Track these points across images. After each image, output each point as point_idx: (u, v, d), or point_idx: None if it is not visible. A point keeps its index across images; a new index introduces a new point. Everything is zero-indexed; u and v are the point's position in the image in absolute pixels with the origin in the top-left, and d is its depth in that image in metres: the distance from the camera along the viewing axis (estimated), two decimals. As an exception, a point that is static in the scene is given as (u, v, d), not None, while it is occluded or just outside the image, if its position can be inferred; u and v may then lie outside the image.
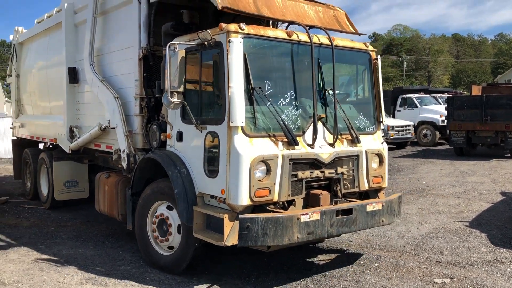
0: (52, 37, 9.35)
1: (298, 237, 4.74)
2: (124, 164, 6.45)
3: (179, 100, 4.96)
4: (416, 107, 22.83)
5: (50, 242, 7.13)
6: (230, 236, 4.65)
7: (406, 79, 66.67)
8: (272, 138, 4.97)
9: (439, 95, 25.22)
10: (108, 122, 6.99)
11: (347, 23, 6.35)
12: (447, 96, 20.99)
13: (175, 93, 4.95)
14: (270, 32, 5.10)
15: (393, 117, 22.97)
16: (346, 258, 6.27)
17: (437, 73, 70.50)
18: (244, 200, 4.68)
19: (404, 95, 23.82)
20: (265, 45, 5.11)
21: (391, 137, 19.89)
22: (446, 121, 18.63)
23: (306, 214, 4.79)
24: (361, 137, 5.79)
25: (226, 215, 4.67)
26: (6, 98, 13.01)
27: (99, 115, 7.40)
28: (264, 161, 4.80)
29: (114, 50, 7.12)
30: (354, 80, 6.28)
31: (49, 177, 9.44)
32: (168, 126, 5.70)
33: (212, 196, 5.09)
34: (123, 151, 6.46)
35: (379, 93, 6.10)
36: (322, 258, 6.23)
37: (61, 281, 5.42)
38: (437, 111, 21.95)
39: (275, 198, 4.90)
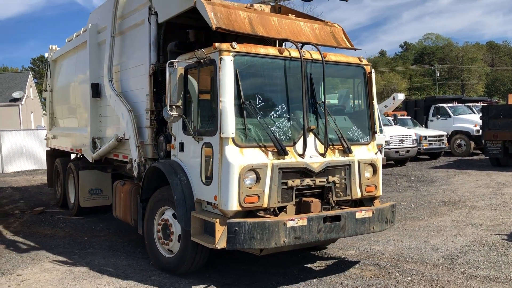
0: (80, 55, 9.97)
1: (284, 241, 5.00)
2: (135, 173, 6.88)
3: (178, 114, 5.31)
4: (450, 116, 22.29)
5: (83, 252, 7.31)
6: (221, 239, 4.97)
7: (438, 89, 65.35)
8: (263, 148, 5.27)
9: (473, 104, 24.62)
10: (123, 133, 7.46)
11: (344, 38, 6.60)
12: (482, 105, 20.49)
13: (174, 107, 5.29)
14: (261, 49, 5.43)
15: (426, 127, 22.65)
16: (378, 271, 6.18)
17: (471, 82, 68.73)
18: (233, 205, 5.00)
19: (437, 105, 23.31)
20: (256, 62, 5.44)
21: (424, 148, 19.65)
22: (481, 131, 18.13)
23: (293, 219, 5.05)
24: (355, 148, 6.00)
25: (218, 220, 5.00)
26: (44, 112, 13.98)
27: (116, 127, 7.89)
28: (253, 170, 5.11)
29: (130, 67, 7.60)
30: (349, 93, 6.50)
31: (75, 185, 9.99)
32: (172, 137, 6.10)
33: (208, 202, 5.42)
34: (135, 160, 6.89)
35: (373, 105, 6.31)
36: (354, 272, 6.15)
37: (93, 291, 5.50)
38: (471, 120, 21.38)
39: (265, 205, 5.19)
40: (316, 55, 5.81)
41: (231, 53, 5.18)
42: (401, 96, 21.43)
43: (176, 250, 5.93)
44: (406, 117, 22.96)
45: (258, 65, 5.49)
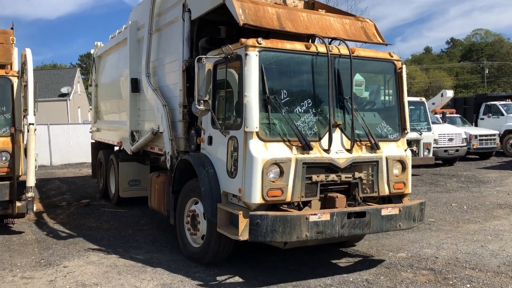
0: (121, 51, 10.30)
1: (306, 235, 5.03)
2: (168, 165, 7.08)
3: (205, 108, 5.40)
4: (502, 115, 21.29)
5: (127, 245, 7.28)
6: (244, 231, 5.06)
7: (487, 86, 62.61)
8: (287, 143, 5.30)
9: None
10: (158, 127, 7.65)
11: (375, 34, 6.51)
12: None
13: (202, 101, 5.39)
14: (288, 45, 5.45)
15: (476, 125, 21.79)
16: (433, 276, 5.87)
17: (522, 80, 65.41)
18: (256, 198, 5.07)
19: (489, 102, 22.31)
20: (283, 57, 5.48)
21: (474, 147, 18.87)
22: None
23: (315, 214, 5.07)
24: (383, 144, 5.92)
25: (241, 212, 5.09)
26: (90, 107, 14.44)
27: (153, 121, 8.11)
28: (277, 164, 5.15)
29: (165, 63, 7.81)
30: (379, 88, 6.39)
31: (116, 176, 10.34)
32: (202, 131, 6.21)
33: (234, 195, 5.50)
34: (168, 153, 7.07)
35: (404, 102, 6.18)
36: (406, 276, 5.87)
37: (137, 285, 5.52)
38: None
39: (288, 199, 5.22)
40: (344, 50, 5.77)
41: (257, 49, 5.23)
42: (449, 93, 20.81)
43: (201, 241, 6.04)
44: (455, 115, 22.16)
45: (284, 61, 5.52)
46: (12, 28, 8.89)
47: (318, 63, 5.64)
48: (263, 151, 5.16)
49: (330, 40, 6.00)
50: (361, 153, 5.73)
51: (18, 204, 7.82)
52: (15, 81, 8.21)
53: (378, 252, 6.79)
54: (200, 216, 6.09)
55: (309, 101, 5.56)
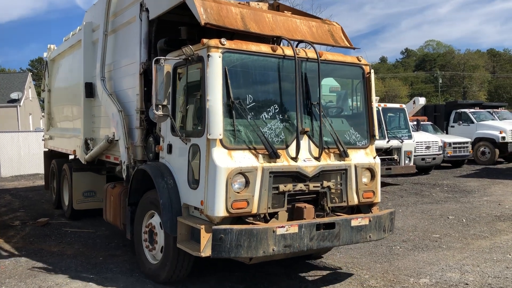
0: (75, 54, 9.72)
1: (273, 250, 4.67)
2: (124, 175, 6.59)
3: (164, 113, 4.97)
4: (472, 122, 21.23)
5: (100, 277, 6.02)
6: (207, 247, 4.66)
7: (440, 95, 64.69)
8: (253, 151, 4.94)
9: (494, 110, 23.51)
10: (113, 134, 7.11)
11: (342, 37, 6.26)
12: None
13: (160, 106, 4.95)
14: (253, 46, 5.11)
15: (447, 133, 21.75)
16: None
17: (472, 89, 68.01)
18: (220, 211, 4.68)
19: (458, 110, 22.31)
20: (248, 60, 5.13)
21: (448, 155, 18.66)
22: (507, 138, 17.21)
23: (283, 226, 4.70)
24: (352, 151, 5.66)
25: (203, 226, 4.69)
26: (42, 113, 13.50)
27: (108, 128, 7.57)
28: (242, 173, 4.78)
29: (122, 66, 7.34)
30: (346, 94, 6.14)
31: (69, 187, 9.69)
32: (161, 139, 5.78)
33: (196, 208, 5.07)
34: (124, 162, 6.57)
35: (372, 107, 5.95)
36: None
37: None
38: (496, 127, 20.41)
39: (254, 211, 4.86)
40: (312, 54, 5.48)
41: (220, 50, 4.86)
42: (422, 101, 20.24)
43: (159, 257, 5.57)
44: (427, 122, 21.90)
45: (249, 63, 5.17)
46: None
47: (285, 67, 5.32)
48: (227, 160, 4.76)
49: (296, 43, 5.69)
50: (329, 161, 5.44)
51: None
52: None
53: (396, 277, 6.06)
54: (158, 230, 5.61)
55: (276, 107, 5.21)
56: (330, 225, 5.08)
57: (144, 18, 6.37)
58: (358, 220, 5.28)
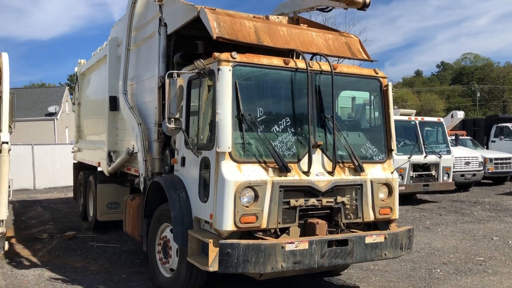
0: (102, 69, 9.98)
1: (282, 266, 4.58)
2: (141, 187, 6.62)
3: (176, 126, 5.01)
4: None
5: None
6: (214, 261, 4.60)
7: (479, 109, 62.77)
8: (263, 164, 4.90)
9: None
10: (133, 147, 7.21)
11: (360, 50, 6.18)
12: None
13: (173, 119, 4.99)
14: (264, 60, 5.11)
15: (487, 148, 20.97)
16: None
17: (512, 103, 65.67)
18: (228, 225, 4.64)
19: (500, 124, 21.43)
20: (259, 73, 5.12)
21: (489, 171, 17.88)
22: None
23: (292, 242, 4.62)
24: (368, 166, 5.54)
25: (212, 240, 4.66)
26: (77, 126, 13.91)
27: (129, 140, 7.67)
28: (251, 187, 4.74)
29: (143, 80, 7.47)
30: (363, 107, 6.03)
31: (94, 198, 9.86)
32: (176, 152, 5.79)
33: (206, 221, 5.03)
34: (141, 174, 6.62)
35: (390, 121, 5.79)
36: None
37: None
38: None
39: (263, 225, 4.79)
40: (326, 66, 5.41)
41: (231, 63, 4.87)
42: (460, 114, 19.59)
43: (175, 268, 5.57)
44: (466, 137, 21.10)
45: (260, 76, 5.16)
46: None
47: (297, 80, 5.28)
48: (236, 173, 4.74)
49: (311, 56, 5.64)
50: (343, 175, 5.32)
51: None
52: None
53: None
54: (172, 244, 5.61)
55: (288, 120, 5.17)
56: (343, 242, 4.95)
57: (162, 33, 6.47)
58: (373, 237, 5.12)
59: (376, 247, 5.13)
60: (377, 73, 5.85)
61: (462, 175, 16.26)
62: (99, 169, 11.15)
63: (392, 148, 5.80)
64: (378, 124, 5.92)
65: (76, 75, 12.85)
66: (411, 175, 13.35)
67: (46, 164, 20.00)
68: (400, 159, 12.93)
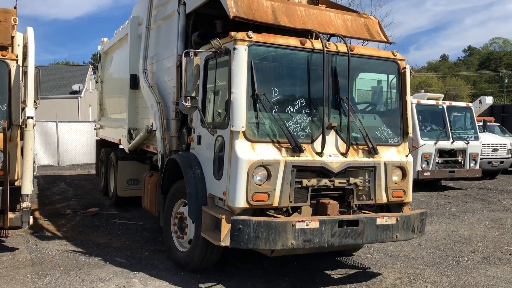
0: (124, 47, 10.11)
1: (292, 243, 4.68)
2: (159, 164, 6.76)
3: (192, 105, 5.09)
4: None
5: (144, 274, 5.83)
6: (226, 237, 4.73)
7: (506, 96, 61.07)
8: (276, 144, 4.96)
9: None
10: (151, 124, 7.34)
11: (379, 31, 6.13)
12: None
13: (189, 97, 5.07)
14: (281, 40, 5.12)
15: None
16: None
17: (542, 90, 63.62)
18: (240, 202, 4.75)
19: None
20: (275, 53, 5.15)
21: None
22: None
23: (303, 221, 4.71)
24: (383, 149, 5.54)
25: (224, 216, 4.78)
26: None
27: (148, 118, 7.80)
28: (264, 166, 4.82)
29: (162, 59, 7.57)
30: (380, 89, 5.99)
31: (115, 174, 10.08)
32: (192, 130, 5.89)
33: (220, 198, 5.14)
34: (159, 152, 6.75)
35: (406, 104, 5.77)
36: None
37: None
38: None
39: (275, 204, 4.87)
40: (343, 48, 5.39)
41: (247, 43, 4.92)
42: (489, 100, 19.00)
43: (189, 244, 5.71)
44: (494, 123, 20.59)
45: (276, 56, 5.19)
46: (15, 8, 7.75)
47: (313, 61, 5.28)
48: (250, 152, 4.82)
49: (329, 36, 5.61)
50: (357, 157, 5.34)
51: (10, 215, 6.36)
52: (13, 65, 6.90)
53: None
54: (188, 219, 5.76)
55: (302, 101, 5.20)
56: (354, 222, 5.01)
57: (181, 12, 6.52)
58: (385, 219, 5.16)
59: (387, 228, 5.16)
60: (395, 55, 5.80)
61: (489, 162, 15.89)
62: (120, 146, 11.42)
63: (408, 131, 5.77)
64: (394, 107, 5.89)
65: (99, 53, 13.04)
66: (437, 161, 13.09)
67: (70, 141, 20.33)
68: (426, 144, 12.79)
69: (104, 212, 9.61)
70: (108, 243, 7.34)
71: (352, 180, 5.29)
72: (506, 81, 62.47)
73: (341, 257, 6.69)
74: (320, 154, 5.13)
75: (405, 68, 5.81)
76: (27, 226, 6.66)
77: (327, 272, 6.07)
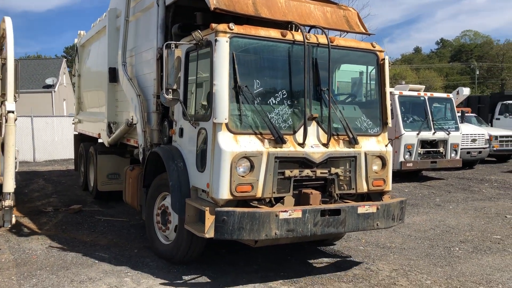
0: (102, 40, 9.96)
1: (276, 233, 4.73)
2: (140, 158, 6.73)
3: (173, 97, 5.07)
4: None
5: (136, 273, 5.60)
6: (211, 228, 4.73)
7: (477, 87, 62.42)
8: (259, 135, 5.00)
9: None
10: (132, 118, 7.26)
11: (358, 23, 6.19)
12: None
13: (170, 90, 5.03)
14: (262, 31, 5.15)
15: (491, 125, 20.92)
16: None
17: (511, 82, 65.20)
18: (224, 194, 4.78)
19: (505, 102, 21.29)
20: (257, 45, 5.17)
21: (494, 149, 17.78)
22: None
23: (286, 211, 4.76)
24: (363, 139, 5.62)
25: (208, 208, 4.80)
26: (75, 98, 13.73)
27: (128, 112, 7.72)
28: (247, 157, 4.85)
29: (141, 51, 7.51)
30: (360, 80, 6.06)
31: (94, 169, 9.96)
32: (174, 123, 5.86)
33: (203, 190, 5.15)
34: (140, 145, 6.70)
35: (385, 95, 5.86)
36: None
37: None
38: None
39: (259, 194, 4.93)
40: (323, 39, 5.44)
41: (228, 35, 4.92)
42: (466, 91, 19.11)
43: (172, 237, 5.71)
44: (471, 114, 20.87)
45: (258, 48, 5.21)
46: None
47: (294, 52, 5.32)
48: (233, 144, 4.83)
49: (309, 28, 5.64)
50: (338, 148, 5.41)
51: None
52: None
53: (462, 284, 5.51)
54: (171, 212, 5.74)
55: (284, 92, 5.24)
56: (336, 212, 5.09)
57: (161, 4, 6.46)
58: (365, 208, 5.25)
59: (368, 217, 5.26)
60: (374, 47, 5.87)
61: (468, 152, 16.14)
62: (99, 140, 11.25)
63: (387, 121, 5.86)
64: (374, 98, 5.98)
65: (76, 46, 12.78)
66: (419, 151, 13.24)
67: (45, 137, 19.80)
68: (409, 135, 12.98)
69: (87, 209, 9.34)
70: (94, 241, 7.09)
71: (333, 170, 5.36)
72: (477, 73, 63.85)
73: (336, 251, 6.67)
74: (302, 145, 5.18)
75: (384, 59, 5.90)
76: (10, 225, 6.47)
77: (321, 266, 6.04)
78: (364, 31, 6.19)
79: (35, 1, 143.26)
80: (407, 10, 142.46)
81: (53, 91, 34.86)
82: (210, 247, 6.25)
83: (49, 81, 34.91)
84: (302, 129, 5.21)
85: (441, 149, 13.64)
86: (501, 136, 18.04)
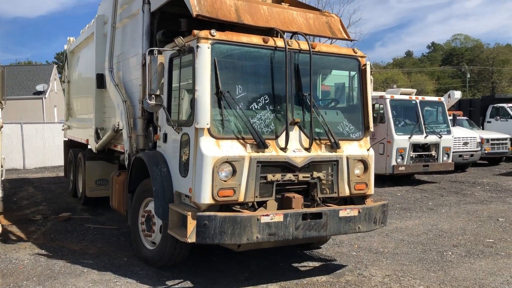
0: (90, 46, 9.98)
1: (257, 237, 4.77)
2: (126, 164, 6.72)
3: (156, 103, 5.09)
4: (511, 118, 20.11)
5: (125, 281, 5.52)
6: (193, 233, 4.76)
7: (468, 90, 62.96)
8: (241, 140, 5.05)
9: None
10: (118, 124, 7.28)
11: (341, 29, 6.26)
12: None
13: (154, 96, 5.06)
14: (244, 38, 5.20)
15: (483, 128, 20.89)
16: None
17: (502, 84, 65.82)
18: (206, 198, 4.81)
19: (496, 105, 21.20)
20: (238, 51, 5.23)
21: (486, 152, 17.79)
22: None
23: (268, 215, 4.80)
24: (345, 143, 5.68)
25: (190, 213, 4.83)
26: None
27: (115, 117, 7.73)
28: (229, 162, 4.89)
29: (128, 57, 7.55)
30: (342, 85, 6.12)
31: (83, 175, 9.94)
32: (158, 128, 5.89)
33: (186, 195, 5.17)
34: (126, 151, 6.72)
35: (367, 100, 5.93)
36: None
37: None
38: None
39: (241, 199, 4.96)
40: (305, 45, 5.51)
41: (210, 41, 4.98)
42: (457, 94, 19.10)
43: (157, 242, 5.72)
44: (462, 117, 20.80)
45: (240, 54, 5.27)
46: None
47: (276, 58, 5.39)
48: (215, 149, 4.88)
49: (292, 34, 5.70)
50: (320, 152, 5.47)
51: None
52: None
53: None
54: (155, 217, 5.76)
55: (266, 98, 5.30)
56: (317, 215, 5.14)
57: (146, 10, 6.52)
58: (347, 211, 5.30)
59: (349, 220, 5.30)
60: (355, 53, 5.95)
61: (460, 156, 16.15)
62: (88, 146, 11.21)
63: (369, 126, 5.92)
64: (355, 103, 6.05)
65: (65, 53, 12.80)
66: (411, 155, 13.25)
67: (35, 143, 19.51)
68: (401, 139, 13.02)
69: (77, 217, 9.21)
70: (84, 249, 6.97)
71: (315, 174, 5.42)
72: (468, 76, 64.39)
73: (329, 257, 6.65)
74: (284, 149, 5.23)
75: (365, 64, 5.97)
76: None
77: (313, 273, 5.97)
78: (346, 37, 6.26)
79: (26, 7, 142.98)
80: (399, 14, 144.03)
81: (43, 98, 34.55)
82: (202, 254, 6.31)
83: (39, 87, 34.61)
84: (284, 134, 5.27)
85: (433, 153, 13.65)
86: (493, 139, 18.09)
